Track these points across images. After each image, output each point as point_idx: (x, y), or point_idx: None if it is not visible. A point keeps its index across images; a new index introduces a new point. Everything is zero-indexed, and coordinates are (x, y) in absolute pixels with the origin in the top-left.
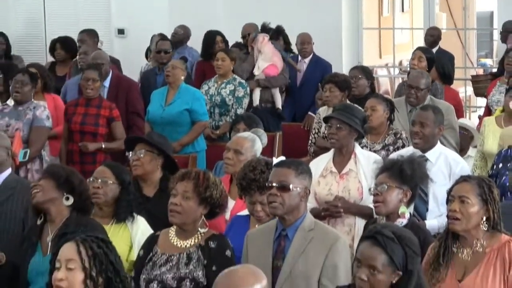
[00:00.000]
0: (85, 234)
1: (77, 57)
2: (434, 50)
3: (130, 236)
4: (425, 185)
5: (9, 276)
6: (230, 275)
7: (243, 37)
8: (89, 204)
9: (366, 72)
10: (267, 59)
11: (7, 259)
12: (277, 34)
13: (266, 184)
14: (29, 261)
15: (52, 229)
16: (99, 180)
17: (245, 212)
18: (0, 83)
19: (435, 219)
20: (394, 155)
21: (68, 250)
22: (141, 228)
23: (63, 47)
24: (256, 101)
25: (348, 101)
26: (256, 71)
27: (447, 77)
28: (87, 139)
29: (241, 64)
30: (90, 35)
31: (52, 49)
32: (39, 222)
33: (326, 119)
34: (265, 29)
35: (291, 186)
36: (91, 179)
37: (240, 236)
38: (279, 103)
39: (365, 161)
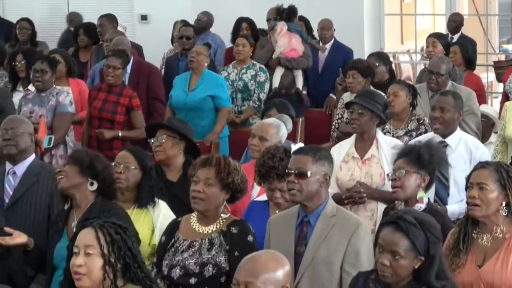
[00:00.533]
0: (103, 220)
1: (104, 44)
2: (456, 36)
3: (152, 220)
4: (444, 170)
5: (37, 260)
6: (253, 260)
7: (268, 19)
8: (114, 189)
9: (383, 58)
10: (284, 48)
11: (34, 244)
12: (291, 15)
13: (285, 171)
14: (55, 247)
15: (78, 215)
16: (122, 165)
17: (263, 197)
18: (22, 68)
19: (456, 204)
20: (412, 141)
21: (87, 236)
22: (162, 212)
23: (86, 33)
24: (276, 83)
25: (371, 87)
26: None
27: (469, 62)
28: (104, 126)
29: (258, 51)
30: (110, 20)
31: (75, 35)
32: (66, 207)
33: (348, 105)
34: (279, 12)
35: (309, 173)
36: (113, 164)
37: (258, 222)
38: (300, 83)
39: (387, 146)
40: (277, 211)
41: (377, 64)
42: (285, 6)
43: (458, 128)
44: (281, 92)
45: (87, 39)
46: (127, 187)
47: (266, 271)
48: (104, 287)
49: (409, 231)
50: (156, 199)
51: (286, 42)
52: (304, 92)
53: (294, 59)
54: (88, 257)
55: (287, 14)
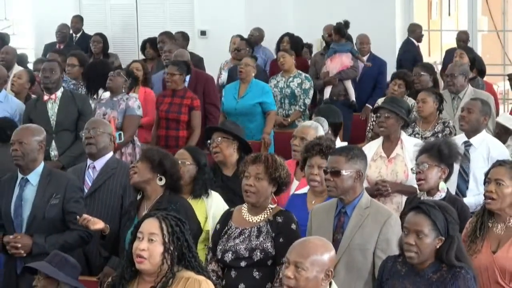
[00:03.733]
0: (166, 213)
1: (162, 55)
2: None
3: (206, 209)
4: (466, 166)
5: (111, 244)
6: (304, 243)
7: (329, 35)
8: (180, 184)
9: (428, 69)
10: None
11: (110, 229)
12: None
13: (323, 170)
14: (127, 232)
15: (148, 205)
16: (179, 161)
17: (301, 190)
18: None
19: (473, 197)
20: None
21: (152, 224)
22: (215, 202)
23: (152, 46)
24: (327, 94)
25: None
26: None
27: (480, 71)
28: (171, 126)
29: (311, 69)
30: (169, 36)
31: (143, 48)
32: (138, 197)
33: (376, 110)
34: (337, 30)
35: (342, 171)
36: None
37: (297, 212)
38: (352, 95)
39: (410, 146)
40: (313, 202)
41: (422, 73)
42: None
43: (484, 131)
44: (332, 99)
45: (153, 51)
46: (184, 181)
47: (314, 254)
48: (161, 271)
49: (430, 212)
50: (210, 190)
51: (338, 64)
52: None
53: (344, 70)
54: (151, 244)
55: (342, 31)
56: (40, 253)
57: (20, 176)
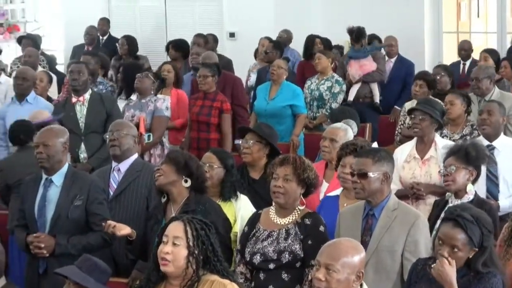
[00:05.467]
0: (192, 216)
1: (189, 57)
2: (468, 61)
3: (234, 212)
4: (493, 169)
5: (139, 249)
6: (335, 246)
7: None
8: (205, 186)
9: (448, 71)
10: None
11: (137, 234)
12: (359, 36)
13: (350, 172)
14: (155, 237)
15: (175, 208)
16: (207, 165)
17: (334, 193)
18: (119, 79)
19: (507, 199)
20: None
21: (176, 228)
22: (243, 204)
23: (174, 47)
24: (351, 97)
25: (430, 96)
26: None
27: None
28: (202, 128)
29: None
30: (204, 39)
31: (167, 50)
32: (163, 200)
33: (410, 111)
34: (350, 32)
35: (369, 174)
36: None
37: (330, 214)
38: (377, 97)
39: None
40: (345, 204)
41: (442, 73)
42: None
43: (502, 134)
44: (358, 101)
45: (175, 52)
46: (212, 184)
47: (345, 256)
48: (186, 275)
49: (467, 227)
50: (238, 193)
51: (358, 69)
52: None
53: (369, 73)
54: (175, 247)
55: (356, 36)
56: (63, 254)
57: (44, 176)
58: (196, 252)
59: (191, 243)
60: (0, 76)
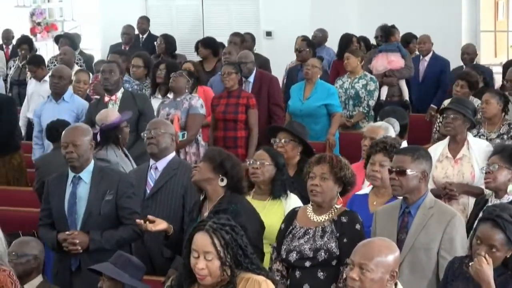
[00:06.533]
0: (213, 221)
1: (223, 56)
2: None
3: (284, 210)
4: None
5: (175, 244)
6: (368, 245)
7: (376, 37)
8: (241, 185)
9: (479, 70)
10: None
11: (173, 230)
12: (388, 34)
13: (389, 169)
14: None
15: (209, 206)
16: (258, 162)
17: (363, 191)
18: (161, 76)
19: None
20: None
21: (204, 242)
22: (293, 203)
23: (203, 45)
24: (383, 97)
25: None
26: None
27: None
28: (229, 126)
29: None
30: (240, 38)
31: (197, 48)
32: (201, 197)
33: (442, 110)
34: (383, 30)
35: (407, 171)
36: (251, 161)
37: (359, 212)
38: (406, 95)
39: (477, 147)
40: (374, 203)
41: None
42: (392, 23)
43: None
44: (387, 101)
45: (204, 50)
46: (262, 181)
47: (379, 255)
48: (221, 281)
49: (506, 228)
50: (288, 191)
51: (385, 62)
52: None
53: (397, 70)
54: (208, 262)
55: (385, 34)
56: (97, 249)
57: (71, 174)
58: (228, 259)
59: (221, 254)
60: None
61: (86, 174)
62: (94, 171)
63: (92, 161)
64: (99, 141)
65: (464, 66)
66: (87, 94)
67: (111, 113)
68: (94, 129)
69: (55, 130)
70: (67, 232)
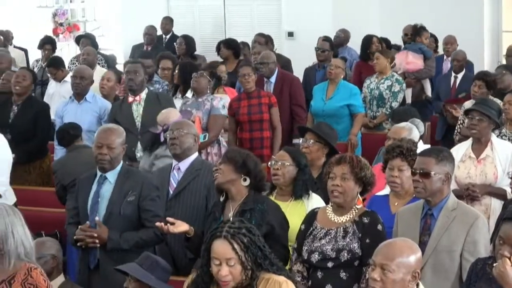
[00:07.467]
0: (229, 226)
1: (252, 57)
2: (461, 74)
3: (306, 211)
4: None
5: (196, 246)
6: (390, 246)
7: (405, 34)
8: (264, 184)
9: (510, 69)
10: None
11: (194, 231)
12: (416, 33)
13: (412, 171)
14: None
15: (233, 206)
16: (279, 163)
17: (383, 192)
18: (176, 77)
19: None
20: None
21: (224, 249)
22: (315, 203)
23: (226, 46)
24: (408, 97)
25: (490, 96)
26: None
27: None
28: (255, 127)
29: None
30: (263, 37)
31: (218, 49)
32: (221, 199)
33: (467, 112)
34: (414, 29)
35: (432, 173)
36: (272, 162)
37: (380, 213)
38: (428, 92)
39: (500, 148)
40: (395, 204)
41: (504, 72)
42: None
43: None
44: (413, 102)
45: (226, 51)
46: (284, 182)
47: (400, 256)
48: (243, 283)
49: None
50: (310, 192)
51: (403, 59)
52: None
53: (418, 71)
54: (231, 267)
55: (414, 33)
56: (115, 249)
57: (98, 174)
58: (250, 263)
59: (243, 259)
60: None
61: (112, 175)
62: (120, 172)
63: (121, 162)
64: (162, 141)
65: (452, 73)
66: (116, 94)
67: (172, 114)
68: (155, 129)
69: (66, 132)
70: (80, 226)
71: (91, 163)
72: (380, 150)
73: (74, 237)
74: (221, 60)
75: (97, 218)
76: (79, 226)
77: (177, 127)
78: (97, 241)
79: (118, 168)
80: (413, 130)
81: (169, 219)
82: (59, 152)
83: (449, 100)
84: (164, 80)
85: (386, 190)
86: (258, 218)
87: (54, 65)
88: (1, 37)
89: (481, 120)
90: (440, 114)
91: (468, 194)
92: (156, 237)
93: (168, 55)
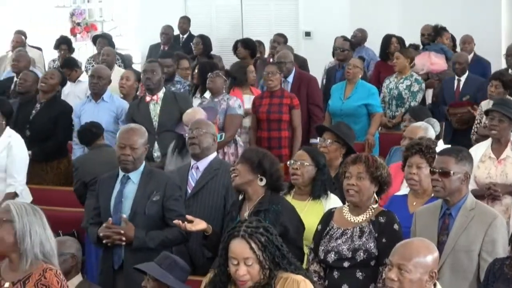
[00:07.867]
0: (246, 225)
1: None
2: (464, 77)
3: (323, 211)
4: None
5: (214, 244)
6: (407, 246)
7: (422, 34)
8: (281, 184)
9: None
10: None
11: (212, 229)
12: (436, 33)
13: (431, 170)
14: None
15: (249, 206)
16: (298, 162)
17: (401, 192)
18: (195, 77)
19: None
20: None
21: (242, 249)
22: (333, 203)
23: (243, 45)
24: (429, 97)
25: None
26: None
27: None
28: (273, 126)
29: None
30: (282, 37)
31: (235, 48)
32: (240, 198)
33: (488, 112)
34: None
35: (451, 172)
36: (291, 162)
37: (398, 213)
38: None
39: None
40: (414, 204)
41: None
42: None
43: None
44: (433, 101)
45: (244, 50)
46: (302, 182)
47: (417, 256)
48: (261, 283)
49: None
50: (328, 192)
51: (426, 59)
52: None
53: (441, 72)
54: (249, 267)
55: (435, 34)
56: (140, 248)
57: (121, 173)
58: (268, 262)
59: (261, 258)
60: (81, 75)
61: (136, 175)
62: (143, 172)
63: (144, 163)
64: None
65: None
66: (136, 94)
67: (198, 113)
68: (182, 130)
69: (88, 131)
70: (105, 224)
71: (112, 163)
72: (390, 150)
73: (100, 234)
74: (237, 59)
75: (124, 216)
76: (104, 224)
77: (196, 127)
78: (123, 238)
79: (141, 168)
80: (429, 130)
81: (188, 216)
82: (77, 151)
83: (453, 103)
84: (186, 80)
85: (405, 190)
86: (272, 219)
87: (68, 65)
88: (23, 37)
89: (501, 120)
90: (445, 119)
91: (489, 193)
92: (181, 236)
93: (183, 55)
